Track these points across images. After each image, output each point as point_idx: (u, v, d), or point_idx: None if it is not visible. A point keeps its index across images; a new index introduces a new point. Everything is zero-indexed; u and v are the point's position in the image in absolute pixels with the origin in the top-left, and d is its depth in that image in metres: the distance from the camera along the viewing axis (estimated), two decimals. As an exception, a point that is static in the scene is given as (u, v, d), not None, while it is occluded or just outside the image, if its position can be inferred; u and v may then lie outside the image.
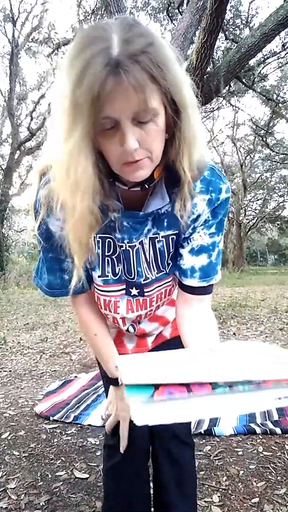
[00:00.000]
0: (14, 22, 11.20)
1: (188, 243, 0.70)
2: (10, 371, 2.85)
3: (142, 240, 0.70)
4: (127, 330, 0.85)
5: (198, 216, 0.67)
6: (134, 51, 0.47)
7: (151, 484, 0.93)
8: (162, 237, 0.70)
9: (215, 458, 1.51)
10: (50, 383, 2.48)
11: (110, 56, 0.46)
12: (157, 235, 0.70)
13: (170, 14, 6.75)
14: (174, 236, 0.70)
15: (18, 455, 1.59)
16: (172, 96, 0.53)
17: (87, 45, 0.47)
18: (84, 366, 2.86)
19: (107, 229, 0.68)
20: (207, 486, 1.33)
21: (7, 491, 1.36)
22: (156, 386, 0.39)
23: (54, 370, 2.81)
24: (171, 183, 0.64)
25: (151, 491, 0.92)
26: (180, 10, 5.56)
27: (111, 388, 0.89)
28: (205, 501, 1.24)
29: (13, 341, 3.75)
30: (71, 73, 0.48)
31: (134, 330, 0.86)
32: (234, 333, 3.72)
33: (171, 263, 0.74)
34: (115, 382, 0.87)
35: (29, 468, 1.49)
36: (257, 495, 1.27)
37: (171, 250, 0.72)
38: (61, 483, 1.39)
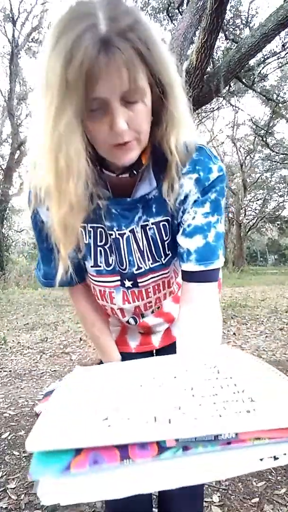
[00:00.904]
0: (14, 22, 11.20)
1: (181, 226, 0.66)
2: (10, 371, 2.85)
3: (133, 228, 0.68)
4: (128, 322, 0.85)
5: (186, 197, 0.64)
6: (122, 28, 0.46)
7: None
8: (152, 224, 0.68)
9: (215, 458, 1.51)
10: (50, 383, 2.48)
11: (98, 33, 0.45)
12: (147, 222, 0.67)
13: (170, 14, 6.75)
14: (165, 223, 0.68)
15: (18, 455, 1.59)
16: (159, 76, 0.52)
17: (74, 22, 0.46)
18: (84, 366, 2.86)
19: (97, 218, 0.66)
20: (207, 486, 1.33)
21: (7, 491, 1.36)
22: (78, 450, 0.28)
23: (54, 370, 2.81)
24: (158, 166, 0.63)
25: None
26: (180, 10, 5.56)
27: None
28: (205, 501, 1.24)
29: (13, 341, 3.75)
30: (59, 51, 0.46)
31: (136, 323, 0.85)
32: (234, 333, 3.72)
33: (170, 254, 0.72)
34: None
35: (29, 468, 1.49)
36: (257, 495, 1.27)
37: (164, 238, 0.69)
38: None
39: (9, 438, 1.74)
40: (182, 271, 0.67)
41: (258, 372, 0.40)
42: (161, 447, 0.29)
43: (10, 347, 3.52)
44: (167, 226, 0.68)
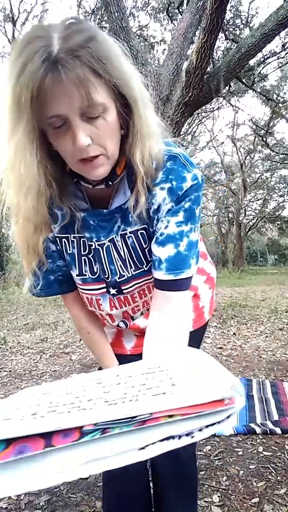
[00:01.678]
0: (14, 22, 11.20)
1: (155, 234, 0.66)
2: (10, 371, 2.85)
3: (113, 238, 0.69)
4: (118, 326, 0.85)
5: (159, 206, 0.64)
6: (73, 46, 0.47)
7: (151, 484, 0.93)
8: (130, 232, 0.68)
9: (215, 458, 1.51)
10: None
11: (49, 53, 0.46)
12: (125, 231, 0.68)
13: (170, 14, 6.74)
14: (143, 231, 0.68)
15: (18, 455, 1.59)
16: (120, 90, 0.53)
17: (27, 44, 0.48)
18: (84, 366, 2.86)
19: (79, 228, 0.68)
20: (207, 486, 1.33)
21: (7, 491, 1.36)
22: (9, 442, 0.30)
23: (54, 370, 2.81)
24: (131, 178, 0.63)
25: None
26: (180, 10, 5.56)
27: None
28: (205, 501, 1.24)
29: (13, 341, 3.75)
30: (12, 71, 0.48)
31: (126, 326, 0.85)
32: (234, 333, 3.72)
33: (151, 260, 0.72)
34: None
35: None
36: (257, 495, 1.27)
37: (144, 246, 0.69)
38: (61, 483, 1.39)
39: (9, 438, 1.74)
40: (154, 278, 0.67)
41: (196, 363, 0.42)
42: (82, 433, 0.30)
43: (10, 347, 3.52)
44: (145, 234, 0.68)
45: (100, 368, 0.90)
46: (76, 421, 0.30)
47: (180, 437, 0.32)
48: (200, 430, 0.32)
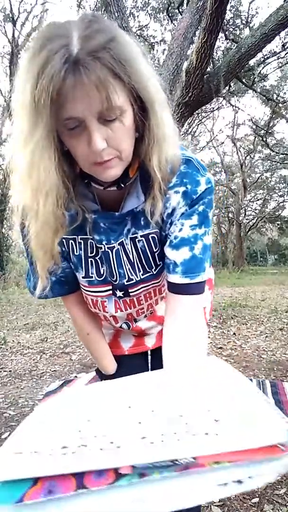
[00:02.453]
0: (14, 22, 11.20)
1: (168, 238, 0.66)
2: (10, 371, 2.85)
3: (122, 241, 0.68)
4: (121, 327, 0.85)
5: (173, 210, 0.64)
6: (94, 47, 0.45)
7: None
8: (141, 236, 0.67)
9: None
10: (50, 383, 2.48)
11: (69, 53, 0.45)
12: (136, 235, 0.67)
13: (170, 14, 6.75)
14: (154, 235, 0.67)
15: (18, 455, 1.59)
16: (138, 93, 0.51)
17: (46, 43, 0.46)
18: (84, 366, 2.86)
19: (87, 230, 0.66)
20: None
21: (7, 491, 1.36)
22: (36, 480, 0.28)
23: (54, 370, 2.81)
24: (145, 181, 0.62)
25: None
26: (180, 10, 5.56)
27: None
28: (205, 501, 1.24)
29: (13, 341, 3.75)
30: (30, 71, 0.46)
31: (129, 328, 0.85)
32: (234, 333, 3.72)
33: (160, 264, 0.71)
34: (108, 378, 0.88)
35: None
36: (257, 495, 1.27)
37: (154, 250, 0.69)
38: None
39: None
40: (168, 282, 0.66)
41: (234, 390, 0.38)
42: (118, 474, 0.27)
43: (10, 347, 3.52)
44: (156, 238, 0.68)
45: (97, 369, 0.90)
46: (113, 462, 0.28)
47: (226, 484, 0.28)
48: (250, 477, 0.28)
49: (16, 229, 0.64)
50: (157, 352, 0.92)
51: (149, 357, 0.96)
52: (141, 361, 0.94)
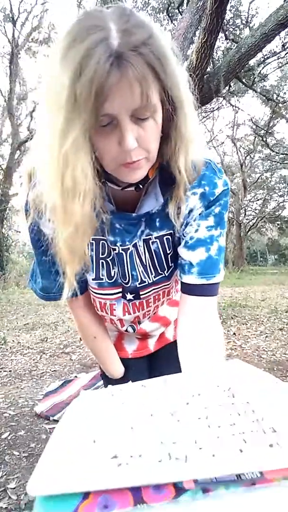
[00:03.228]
0: (14, 22, 11.20)
1: (183, 238, 0.64)
2: (10, 371, 2.85)
3: (136, 243, 0.66)
4: (126, 330, 0.84)
5: (190, 211, 0.62)
6: (136, 42, 0.43)
7: None
8: (155, 238, 0.66)
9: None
10: (50, 383, 2.48)
11: (111, 47, 0.42)
12: (150, 236, 0.66)
13: (170, 14, 6.75)
14: (169, 236, 0.66)
15: (18, 455, 1.59)
16: (170, 92, 0.50)
17: (84, 34, 0.43)
18: (84, 366, 2.86)
19: (100, 231, 0.64)
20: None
21: (7, 491, 1.36)
22: (86, 494, 0.26)
23: (54, 370, 2.81)
24: (165, 183, 0.61)
25: None
26: (180, 10, 5.56)
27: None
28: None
29: (13, 341, 3.75)
30: (68, 64, 0.43)
31: (134, 331, 0.84)
32: (234, 333, 3.72)
33: (172, 266, 0.70)
34: (114, 382, 0.87)
35: (29, 468, 1.49)
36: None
37: (168, 251, 0.68)
38: None
39: (9, 438, 1.74)
40: (182, 283, 0.65)
41: (275, 395, 0.36)
42: (178, 488, 0.25)
43: (10, 347, 3.52)
44: (170, 240, 0.67)
45: (102, 372, 0.89)
46: (176, 476, 0.25)
47: None
48: None
49: (23, 231, 0.62)
50: (157, 355, 0.92)
51: (151, 359, 0.95)
52: (144, 364, 0.94)
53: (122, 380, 0.87)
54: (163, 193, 0.62)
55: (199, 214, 0.62)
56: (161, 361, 0.92)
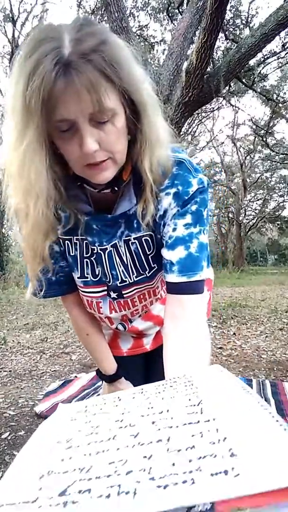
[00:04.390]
0: (14, 22, 11.20)
1: (163, 239, 0.65)
2: (10, 371, 2.85)
3: (116, 243, 0.68)
4: (117, 328, 0.85)
5: (165, 211, 0.63)
6: (86, 50, 0.46)
7: None
8: (134, 238, 0.67)
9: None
10: (50, 383, 2.48)
11: (60, 56, 0.45)
12: (129, 237, 0.67)
13: (170, 14, 6.75)
14: (148, 237, 0.67)
15: (18, 455, 1.59)
16: (130, 96, 0.52)
17: (38, 45, 0.46)
18: (84, 366, 2.87)
19: (81, 231, 0.66)
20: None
21: (7, 491, 1.36)
22: None
23: (54, 370, 2.81)
24: (137, 184, 0.62)
25: None
26: (180, 10, 5.56)
27: (104, 385, 0.90)
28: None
29: (13, 341, 3.75)
30: (22, 73, 0.47)
31: (125, 329, 0.85)
32: (234, 333, 3.72)
33: (155, 267, 0.71)
34: (107, 379, 0.88)
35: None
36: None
37: (147, 252, 0.69)
38: None
39: (9, 438, 1.74)
40: (166, 282, 0.65)
41: (246, 410, 0.34)
42: None
43: (10, 347, 3.52)
44: (150, 241, 0.67)
45: (98, 370, 0.90)
46: (130, 507, 0.24)
47: None
48: None
49: (15, 231, 0.64)
50: (154, 354, 0.92)
51: (146, 358, 0.96)
52: (140, 362, 0.95)
53: (116, 377, 0.89)
54: (136, 194, 0.63)
55: (175, 214, 0.63)
56: (158, 359, 0.93)
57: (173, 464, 0.28)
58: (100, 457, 0.31)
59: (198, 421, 0.33)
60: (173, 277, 0.62)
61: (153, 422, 0.35)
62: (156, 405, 0.39)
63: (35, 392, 2.34)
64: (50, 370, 2.83)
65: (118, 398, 0.44)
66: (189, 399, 0.39)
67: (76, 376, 2.57)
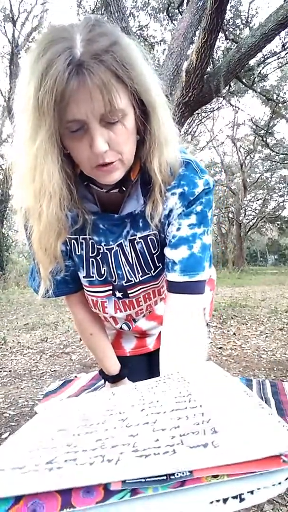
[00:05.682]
0: (14, 22, 11.20)
1: (167, 238, 0.65)
2: (10, 371, 2.85)
3: (121, 243, 0.68)
4: (121, 328, 0.85)
5: (171, 211, 0.63)
6: (98, 50, 0.46)
7: None
8: (139, 238, 0.68)
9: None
10: (50, 383, 2.48)
11: (73, 56, 0.45)
12: (135, 237, 0.67)
13: (170, 14, 6.75)
14: (153, 237, 0.67)
15: (18, 455, 1.59)
16: (140, 96, 0.52)
17: (50, 45, 0.46)
18: (84, 366, 2.87)
19: (88, 231, 0.67)
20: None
21: (7, 491, 1.36)
22: (18, 498, 0.25)
23: (54, 370, 2.81)
24: (145, 185, 0.62)
25: None
26: (180, 10, 5.56)
27: (107, 384, 0.90)
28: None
29: (13, 341, 3.75)
30: (34, 74, 0.47)
31: (129, 329, 0.85)
32: (234, 333, 3.72)
33: (160, 266, 0.71)
34: (110, 379, 0.88)
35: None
36: (257, 495, 1.27)
37: (153, 251, 0.69)
38: None
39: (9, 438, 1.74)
40: (167, 281, 0.65)
41: (233, 399, 0.36)
42: (108, 491, 0.25)
43: (10, 347, 3.52)
44: (155, 240, 0.68)
45: (101, 370, 0.90)
46: (101, 478, 0.25)
47: (226, 500, 0.26)
48: (251, 492, 0.26)
49: (21, 231, 0.64)
50: (157, 353, 0.92)
51: (150, 358, 0.96)
52: (143, 362, 0.94)
53: (119, 377, 0.88)
54: (144, 194, 0.63)
55: (180, 213, 0.63)
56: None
57: (157, 440, 0.29)
58: (88, 436, 0.32)
59: (186, 408, 0.35)
60: (175, 276, 0.63)
61: (142, 410, 0.37)
62: (147, 397, 0.41)
63: (35, 392, 2.34)
64: (50, 370, 2.83)
65: (112, 394, 0.46)
66: (180, 392, 0.40)
67: (76, 376, 2.57)
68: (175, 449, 0.27)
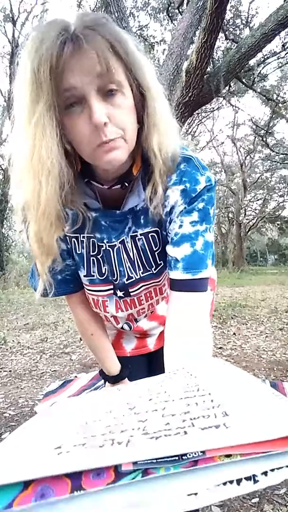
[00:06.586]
0: (14, 22, 11.20)
1: (169, 236, 0.64)
2: (10, 371, 2.85)
3: (124, 239, 0.67)
4: (122, 328, 0.85)
5: (172, 208, 0.63)
6: (91, 23, 0.48)
7: None
8: (141, 234, 0.67)
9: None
10: (50, 383, 2.48)
11: (68, 28, 0.47)
12: (136, 233, 0.67)
13: (170, 14, 6.75)
14: (154, 234, 0.67)
15: (18, 455, 1.59)
16: (135, 76, 0.52)
17: (47, 28, 0.48)
18: (84, 366, 2.86)
19: (89, 229, 0.66)
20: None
21: (7, 491, 1.36)
22: (27, 483, 0.25)
23: (54, 370, 2.81)
24: (145, 175, 0.61)
25: None
26: (180, 10, 5.56)
27: (107, 385, 0.90)
28: (205, 501, 1.24)
29: (13, 341, 3.75)
30: (31, 49, 0.47)
31: (130, 328, 0.85)
32: (234, 333, 3.72)
33: (161, 264, 0.71)
34: (111, 379, 0.88)
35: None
36: (257, 495, 1.27)
37: (154, 248, 0.68)
38: None
39: (9, 438, 1.74)
40: (170, 279, 0.64)
41: (244, 387, 0.35)
42: (118, 473, 0.25)
43: (10, 347, 3.52)
44: (156, 237, 0.67)
45: (101, 370, 0.90)
46: (111, 459, 0.24)
47: (239, 481, 0.25)
48: (265, 473, 0.26)
49: (19, 228, 0.62)
50: (157, 354, 0.92)
51: (151, 358, 0.96)
52: (143, 363, 0.94)
53: (120, 377, 0.88)
54: (144, 187, 0.62)
55: (182, 211, 0.62)
56: (161, 359, 0.93)
57: (167, 423, 0.29)
58: (96, 424, 0.32)
59: (195, 396, 0.34)
60: (178, 274, 0.62)
61: (150, 399, 0.36)
62: (154, 389, 0.40)
63: (35, 392, 2.34)
64: (50, 370, 2.83)
65: (118, 389, 0.45)
66: (187, 384, 0.39)
67: (76, 376, 2.57)
68: (186, 431, 0.27)
